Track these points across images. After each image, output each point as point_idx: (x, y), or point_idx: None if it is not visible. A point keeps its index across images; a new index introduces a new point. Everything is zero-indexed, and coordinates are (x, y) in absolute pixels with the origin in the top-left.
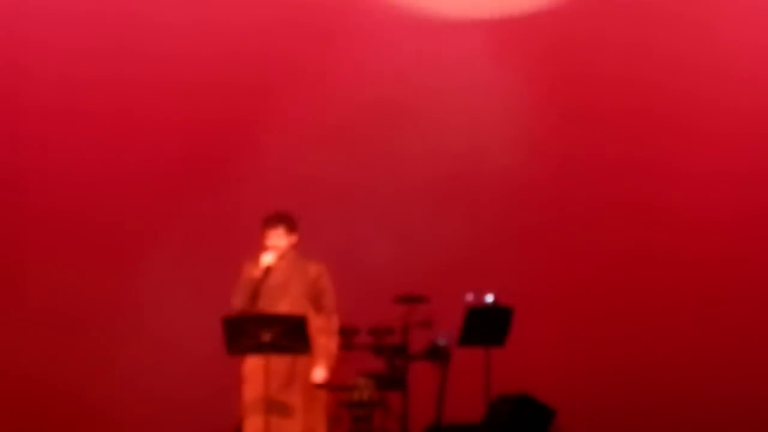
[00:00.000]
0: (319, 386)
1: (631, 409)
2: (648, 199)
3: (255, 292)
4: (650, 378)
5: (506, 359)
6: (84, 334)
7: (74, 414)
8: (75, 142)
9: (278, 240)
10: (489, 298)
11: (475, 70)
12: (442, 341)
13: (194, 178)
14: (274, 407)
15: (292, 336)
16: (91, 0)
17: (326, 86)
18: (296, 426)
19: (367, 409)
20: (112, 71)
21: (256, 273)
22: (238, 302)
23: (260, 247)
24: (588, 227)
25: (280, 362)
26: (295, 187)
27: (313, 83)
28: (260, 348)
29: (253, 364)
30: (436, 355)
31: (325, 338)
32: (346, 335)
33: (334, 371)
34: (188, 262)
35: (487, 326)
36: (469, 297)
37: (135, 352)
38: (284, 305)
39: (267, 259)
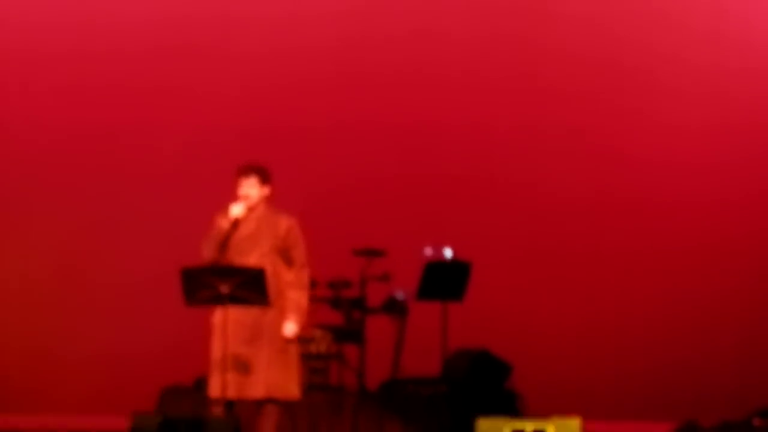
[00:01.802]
0: (290, 340)
1: (587, 365)
2: (611, 153)
3: (224, 244)
4: (606, 335)
5: (464, 314)
6: (43, 288)
7: (34, 369)
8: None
9: (250, 189)
10: (447, 253)
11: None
12: (399, 295)
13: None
14: (238, 363)
15: (250, 288)
16: None
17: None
18: (260, 382)
19: (323, 362)
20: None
21: (225, 224)
22: (207, 253)
23: (234, 197)
24: (548, 182)
25: (246, 316)
26: (257, 138)
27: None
28: (218, 299)
29: (219, 318)
30: (394, 308)
31: (295, 292)
32: None
33: (303, 325)
34: (155, 212)
35: (445, 281)
36: (428, 251)
37: (96, 304)
38: (253, 258)
39: (236, 210)
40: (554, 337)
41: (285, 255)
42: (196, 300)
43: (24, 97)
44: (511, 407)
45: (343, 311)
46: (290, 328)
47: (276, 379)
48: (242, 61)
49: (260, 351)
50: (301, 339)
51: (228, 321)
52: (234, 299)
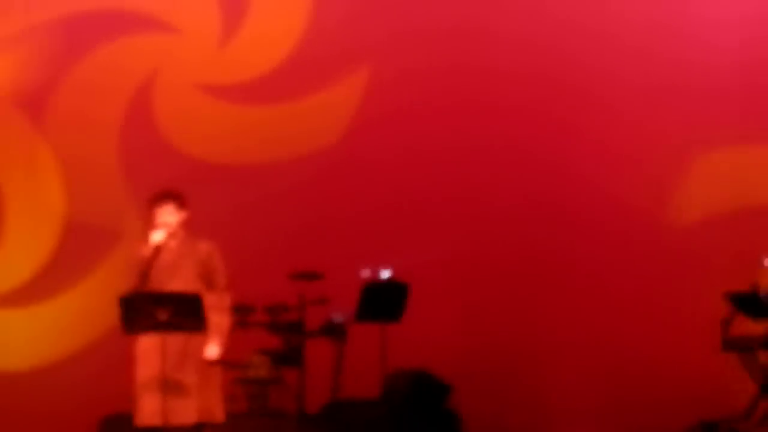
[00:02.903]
0: (213, 363)
1: (526, 385)
2: (551, 168)
3: (146, 273)
4: (545, 354)
5: (402, 335)
6: None
7: None
8: None
9: (168, 217)
10: (385, 274)
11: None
12: (338, 318)
13: None
14: (169, 387)
15: (187, 314)
16: None
17: None
18: (191, 405)
19: (262, 387)
20: None
21: (146, 252)
22: (129, 282)
23: (150, 226)
24: (484, 202)
25: (173, 341)
26: (186, 164)
27: None
28: (156, 326)
29: (146, 344)
30: (332, 331)
31: (217, 315)
32: (242, 313)
33: (227, 348)
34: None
35: (383, 302)
36: (365, 273)
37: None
38: (175, 284)
39: (156, 237)
40: (493, 357)
41: (206, 279)
42: (135, 328)
43: None
44: (451, 428)
45: (281, 335)
46: (213, 350)
47: (204, 403)
48: None
49: (189, 375)
50: (240, 365)
51: (162, 346)
52: (171, 326)
